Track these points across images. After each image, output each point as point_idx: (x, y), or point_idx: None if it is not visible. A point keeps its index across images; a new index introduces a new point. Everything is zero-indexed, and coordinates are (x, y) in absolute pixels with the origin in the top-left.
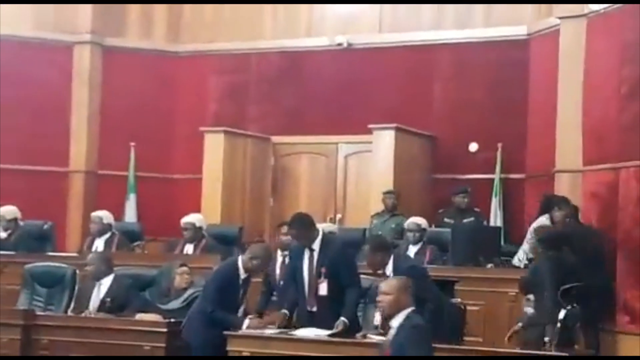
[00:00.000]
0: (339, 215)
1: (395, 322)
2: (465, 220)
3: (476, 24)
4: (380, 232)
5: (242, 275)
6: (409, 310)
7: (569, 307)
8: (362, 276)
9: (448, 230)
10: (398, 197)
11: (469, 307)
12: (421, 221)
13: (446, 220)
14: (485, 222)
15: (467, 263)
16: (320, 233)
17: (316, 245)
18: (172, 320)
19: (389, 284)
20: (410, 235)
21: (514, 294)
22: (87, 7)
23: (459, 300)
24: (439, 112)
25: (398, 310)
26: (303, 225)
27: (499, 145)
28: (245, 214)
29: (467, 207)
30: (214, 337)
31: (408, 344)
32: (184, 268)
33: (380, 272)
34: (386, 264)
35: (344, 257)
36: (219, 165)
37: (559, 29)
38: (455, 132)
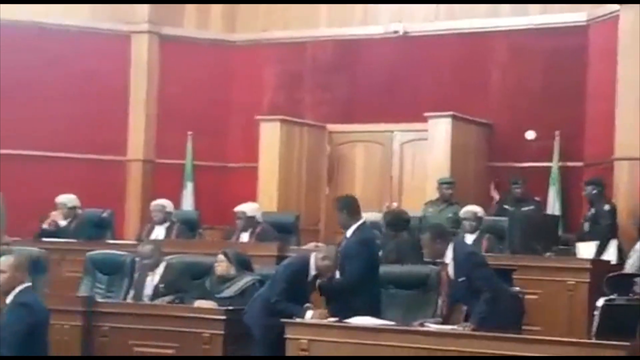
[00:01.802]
0: (394, 204)
1: (9, 299)
2: (524, 209)
3: (534, 10)
4: (437, 221)
5: (312, 272)
6: (22, 287)
7: None
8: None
9: (505, 219)
10: (454, 187)
11: (527, 296)
12: (477, 209)
13: (505, 207)
14: (544, 211)
15: (525, 252)
16: (358, 222)
17: (349, 233)
18: (231, 307)
19: (4, 262)
20: (466, 224)
21: (572, 282)
22: None
23: (517, 289)
24: (495, 100)
25: (12, 288)
26: (342, 207)
27: (557, 132)
28: (301, 202)
29: (525, 195)
30: (275, 325)
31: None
32: (219, 256)
33: (439, 260)
34: (445, 252)
35: (352, 249)
36: (275, 153)
37: (618, 14)
38: (512, 120)
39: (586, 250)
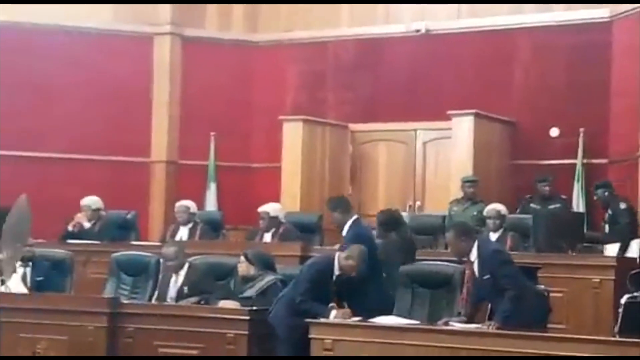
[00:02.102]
0: (418, 202)
1: None
2: (550, 207)
3: (557, 7)
4: (462, 220)
5: (336, 272)
6: None
7: None
8: (445, 263)
9: (529, 216)
10: (477, 185)
11: (551, 294)
12: (501, 207)
13: (532, 206)
14: (570, 209)
15: (550, 250)
16: (352, 219)
17: (345, 231)
18: (255, 308)
19: None
20: (490, 222)
21: (597, 280)
22: None
23: (542, 287)
24: (518, 97)
25: None
26: (334, 207)
27: (581, 130)
28: (324, 202)
29: (552, 193)
30: (299, 325)
31: None
32: (241, 257)
33: (464, 259)
34: (470, 250)
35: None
36: (297, 153)
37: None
38: (535, 117)
39: (611, 252)
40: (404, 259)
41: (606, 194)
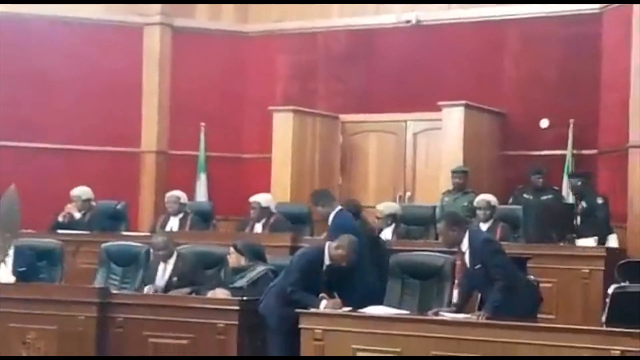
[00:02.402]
0: (408, 193)
1: None
2: (543, 198)
3: None
4: (453, 210)
5: (327, 262)
6: None
7: None
8: (435, 254)
9: (520, 207)
10: (466, 175)
11: (541, 285)
12: (491, 198)
13: (525, 196)
14: (562, 200)
15: (540, 240)
16: (335, 211)
17: (329, 223)
18: (245, 298)
19: None
20: (480, 212)
21: (587, 271)
22: None
23: (532, 277)
24: (509, 88)
25: None
26: (317, 201)
27: (571, 121)
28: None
29: (545, 185)
30: (290, 315)
31: None
32: (230, 249)
33: (455, 249)
34: (461, 240)
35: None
36: (288, 144)
37: (632, 2)
38: (525, 108)
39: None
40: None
41: (579, 184)
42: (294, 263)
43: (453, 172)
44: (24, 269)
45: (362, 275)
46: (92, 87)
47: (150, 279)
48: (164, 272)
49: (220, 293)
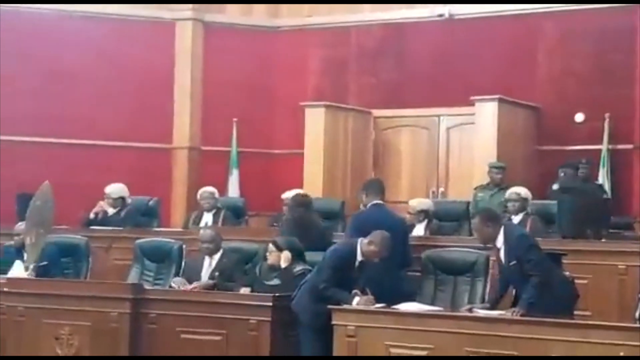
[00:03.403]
0: (441, 189)
1: None
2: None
3: None
4: (489, 206)
5: (359, 258)
6: None
7: None
8: (468, 250)
9: (554, 202)
10: (504, 171)
11: (577, 281)
12: (521, 190)
13: (556, 188)
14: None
15: (575, 236)
16: (370, 204)
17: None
18: (278, 294)
19: None
20: (510, 205)
21: (623, 267)
22: None
23: (568, 273)
24: (543, 82)
25: None
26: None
27: (607, 115)
28: (347, 188)
29: (587, 178)
30: (323, 311)
31: None
32: (270, 246)
33: (490, 245)
34: (496, 236)
35: None
36: (320, 140)
37: None
38: (560, 103)
39: None
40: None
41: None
42: (326, 259)
43: (491, 166)
44: (45, 263)
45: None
46: (125, 83)
47: (192, 272)
48: (209, 266)
49: (245, 292)
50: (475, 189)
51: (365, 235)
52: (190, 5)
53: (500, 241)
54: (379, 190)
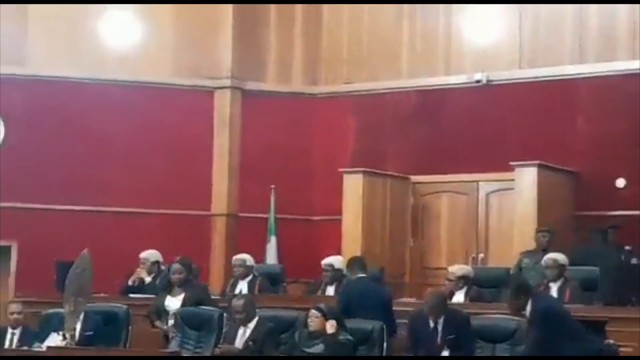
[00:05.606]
0: (481, 255)
1: None
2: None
3: (619, 56)
4: (532, 273)
5: None
6: None
7: None
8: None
9: (595, 268)
10: (552, 235)
11: (621, 349)
12: (558, 256)
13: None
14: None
15: (617, 303)
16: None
17: None
18: None
19: None
20: (547, 272)
21: None
22: (227, 52)
23: (612, 341)
24: (582, 147)
25: None
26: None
27: None
28: (386, 253)
29: (614, 242)
30: None
31: None
32: (313, 311)
33: (521, 313)
34: (526, 305)
35: None
36: (358, 205)
37: None
38: (599, 167)
39: None
40: None
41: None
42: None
43: (539, 231)
44: (91, 332)
45: None
46: (163, 150)
47: (228, 340)
48: (242, 335)
49: None
50: (522, 253)
51: (352, 303)
52: (229, 74)
53: (528, 311)
54: (361, 266)
